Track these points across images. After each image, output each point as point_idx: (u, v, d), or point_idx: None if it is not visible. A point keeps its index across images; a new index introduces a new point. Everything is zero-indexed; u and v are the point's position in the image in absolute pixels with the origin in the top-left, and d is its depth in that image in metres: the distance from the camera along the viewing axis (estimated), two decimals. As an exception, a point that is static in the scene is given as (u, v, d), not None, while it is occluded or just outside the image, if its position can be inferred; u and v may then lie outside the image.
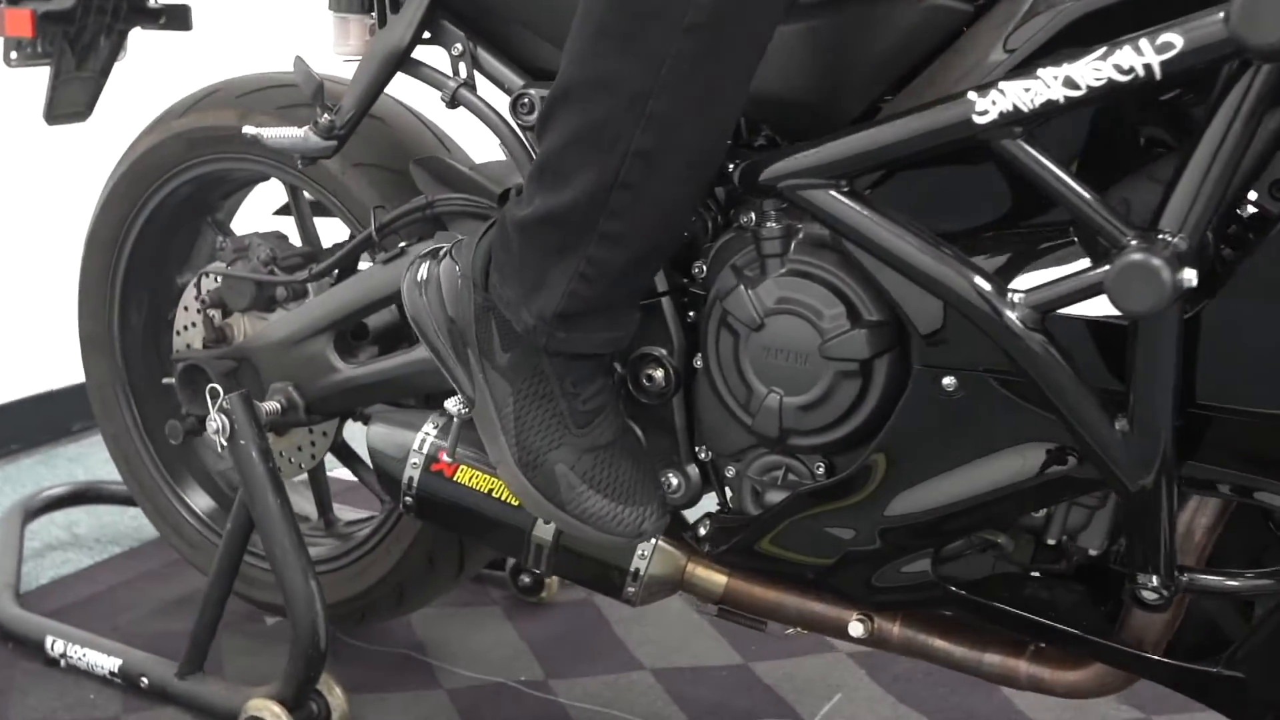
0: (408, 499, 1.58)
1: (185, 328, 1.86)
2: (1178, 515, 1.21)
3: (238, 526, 1.68)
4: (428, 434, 1.56)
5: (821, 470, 1.33)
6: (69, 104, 1.99)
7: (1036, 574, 1.33)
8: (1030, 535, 1.31)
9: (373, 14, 1.54)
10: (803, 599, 1.46)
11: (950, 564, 1.31)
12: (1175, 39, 0.97)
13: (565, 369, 1.33)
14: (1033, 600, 1.32)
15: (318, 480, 1.96)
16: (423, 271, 1.42)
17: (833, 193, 1.16)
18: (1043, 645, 1.36)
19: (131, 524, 2.39)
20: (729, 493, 1.43)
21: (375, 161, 1.69)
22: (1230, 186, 1.02)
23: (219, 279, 1.76)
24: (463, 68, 1.52)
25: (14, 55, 1.91)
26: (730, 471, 1.41)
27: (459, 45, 1.52)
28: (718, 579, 1.51)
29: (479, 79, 1.53)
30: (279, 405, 1.68)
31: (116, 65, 2.01)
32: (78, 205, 2.06)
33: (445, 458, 1.51)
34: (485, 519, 1.55)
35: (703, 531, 1.44)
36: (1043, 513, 1.28)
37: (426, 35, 1.53)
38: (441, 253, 1.43)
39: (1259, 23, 0.89)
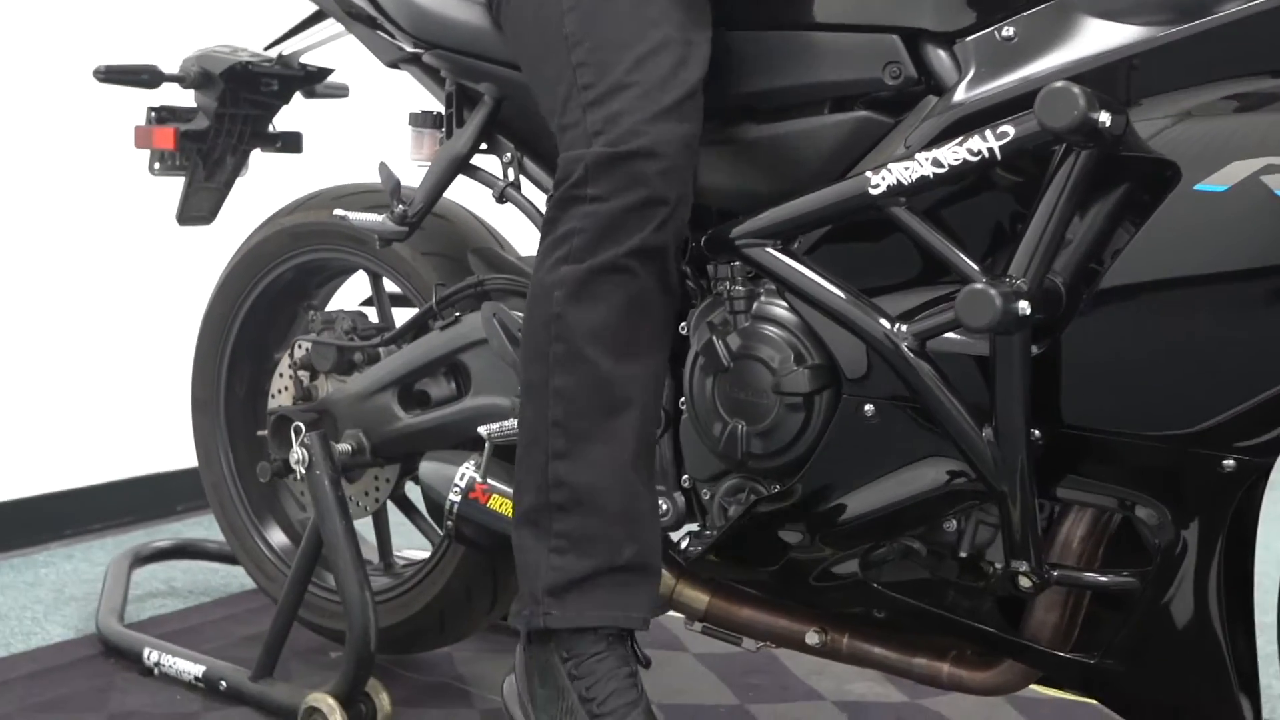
0: (449, 523, 1.90)
1: (279, 391, 2.23)
2: (1056, 523, 1.50)
3: (310, 544, 2.01)
4: (468, 468, 1.89)
5: (776, 489, 1.64)
6: (197, 209, 2.41)
7: (955, 582, 1.61)
8: (947, 549, 1.60)
9: (442, 129, 1.94)
10: (770, 616, 1.75)
11: (877, 568, 1.60)
12: (1009, 129, 1.32)
13: (569, 654, 1.50)
14: (949, 602, 1.60)
15: (381, 528, 2.29)
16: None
17: (769, 249, 1.50)
18: (963, 652, 1.63)
19: (222, 581, 2.74)
20: (706, 514, 1.74)
21: (440, 251, 2.06)
22: (1058, 242, 1.34)
23: (309, 346, 2.13)
24: (511, 172, 1.90)
25: (158, 166, 2.35)
26: (706, 494, 1.72)
27: (509, 154, 1.90)
28: (701, 597, 1.80)
29: (525, 183, 1.91)
30: (350, 447, 2.03)
31: (239, 180, 2.44)
32: (196, 301, 2.48)
33: (477, 479, 1.84)
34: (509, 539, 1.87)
35: (683, 545, 1.75)
36: (954, 528, 1.57)
37: (484, 146, 1.92)
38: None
39: (1054, 110, 1.23)
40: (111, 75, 2.22)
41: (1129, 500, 1.44)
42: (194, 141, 2.32)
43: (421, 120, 1.98)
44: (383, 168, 1.94)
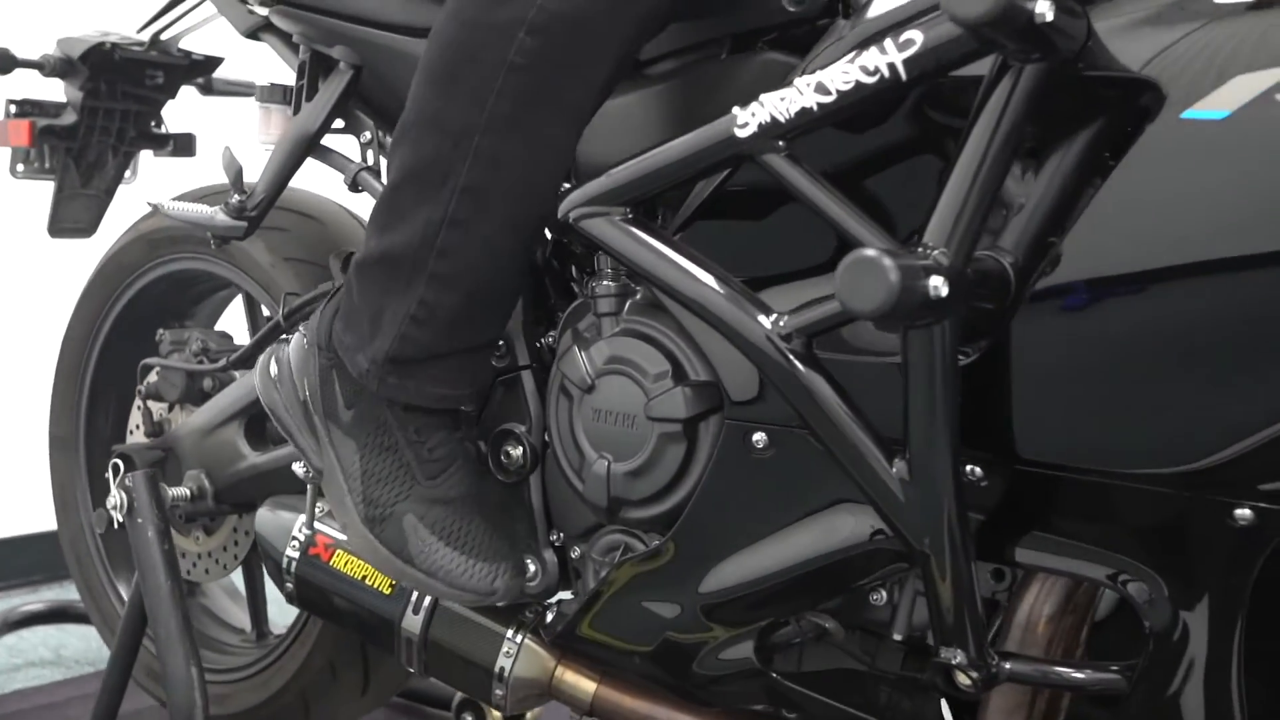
0: (288, 585, 1.54)
1: (137, 427, 1.89)
2: (1016, 597, 1.10)
3: (134, 608, 1.66)
4: (320, 521, 1.53)
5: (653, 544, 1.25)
6: (72, 219, 2.09)
7: (885, 674, 1.21)
8: (874, 629, 1.20)
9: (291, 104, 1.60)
10: (669, 710, 1.35)
11: (779, 654, 1.20)
12: (915, 35, 0.93)
13: (407, 418, 1.30)
14: (880, 703, 1.19)
15: (255, 590, 1.93)
16: (276, 356, 1.42)
17: (610, 220, 1.12)
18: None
19: (115, 650, 2.39)
20: (580, 578, 1.35)
21: (305, 257, 1.72)
22: (989, 199, 0.95)
23: (156, 372, 1.79)
24: (370, 155, 1.55)
25: (20, 167, 2.03)
26: (576, 553, 1.34)
27: (367, 132, 1.55)
28: (586, 685, 1.41)
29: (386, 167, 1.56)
30: (189, 492, 1.68)
31: (124, 187, 2.12)
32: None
33: (303, 531, 1.48)
34: (357, 607, 1.50)
35: (548, 618, 1.36)
36: (884, 600, 1.18)
37: (340, 125, 1.57)
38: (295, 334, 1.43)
39: (962, -5, 0.84)
40: (-52, 56, 1.91)
41: (1110, 566, 1.04)
42: (61, 139, 2.00)
43: (269, 95, 1.65)
44: (226, 153, 1.60)
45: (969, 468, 1.04)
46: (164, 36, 1.98)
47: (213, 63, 2.05)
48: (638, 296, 1.25)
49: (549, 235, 1.34)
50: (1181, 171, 0.93)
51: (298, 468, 1.39)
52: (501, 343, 1.37)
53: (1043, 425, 1.02)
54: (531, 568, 1.37)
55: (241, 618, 1.94)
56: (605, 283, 1.25)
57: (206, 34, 1.98)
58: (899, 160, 1.08)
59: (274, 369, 1.40)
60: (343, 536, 1.49)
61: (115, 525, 1.63)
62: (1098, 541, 1.03)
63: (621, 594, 1.24)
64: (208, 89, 2.14)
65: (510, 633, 1.41)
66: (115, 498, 1.63)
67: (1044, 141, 1.00)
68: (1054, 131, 1.00)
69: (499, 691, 1.44)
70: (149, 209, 1.58)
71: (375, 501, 1.29)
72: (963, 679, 1.05)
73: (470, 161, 1.19)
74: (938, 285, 0.91)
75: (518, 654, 1.42)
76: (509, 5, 1.16)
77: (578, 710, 1.44)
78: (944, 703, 1.15)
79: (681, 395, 1.19)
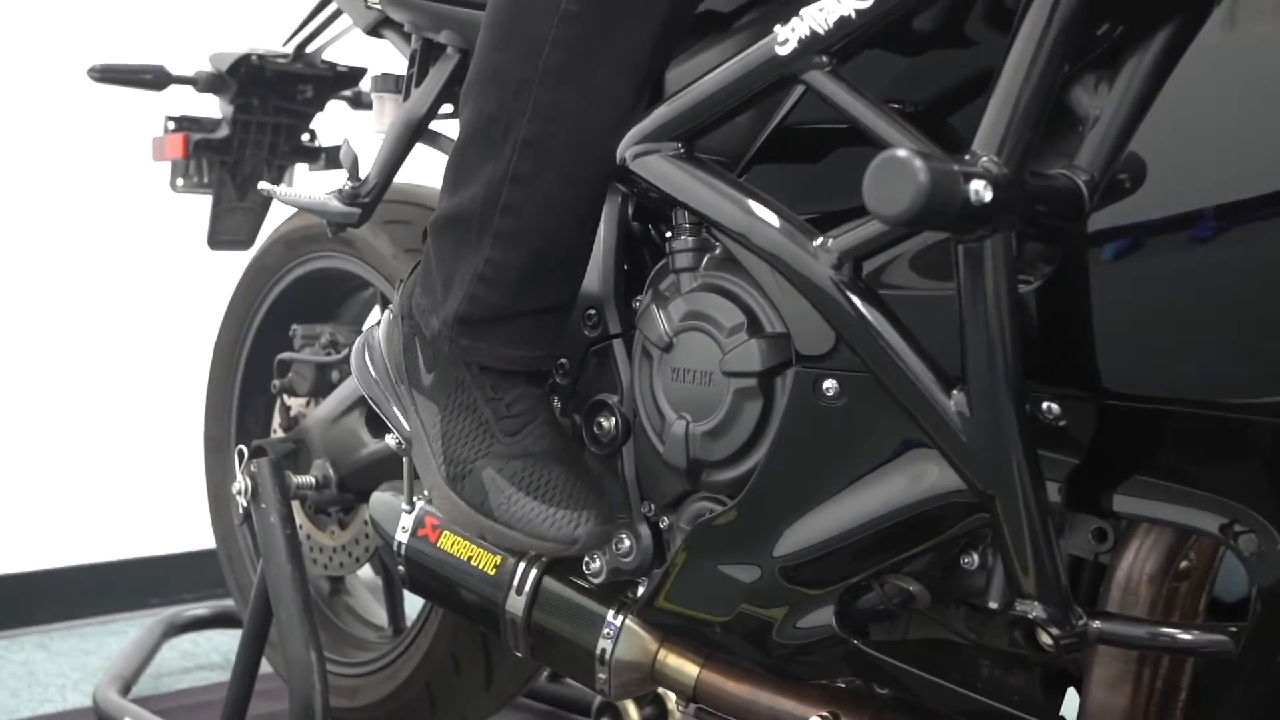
0: (400, 567, 1.53)
1: (279, 424, 1.94)
2: (1117, 553, 1.00)
3: (260, 594, 1.68)
4: (420, 498, 1.53)
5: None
6: (230, 232, 2.17)
7: (979, 645, 1.12)
8: (964, 594, 1.11)
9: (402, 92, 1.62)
10: (772, 695, 1.29)
11: (861, 620, 1.13)
12: (951, -74, 0.87)
13: (483, 376, 1.29)
14: (979, 675, 1.10)
15: (392, 587, 1.94)
16: (369, 335, 1.43)
17: (661, 155, 1.08)
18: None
19: (279, 656, 2.44)
20: (670, 549, 1.30)
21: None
22: (1046, 97, 0.87)
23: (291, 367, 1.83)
24: (478, 137, 1.55)
25: (180, 182, 2.12)
26: (665, 524, 1.29)
27: (473, 116, 1.55)
28: (689, 669, 1.35)
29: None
30: (314, 480, 1.70)
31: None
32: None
33: (410, 513, 1.47)
34: (464, 589, 1.48)
35: (640, 591, 1.32)
36: (975, 563, 1.09)
37: (448, 109, 1.58)
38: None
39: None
40: (109, 75, 2.01)
41: (1219, 515, 0.93)
42: (216, 153, 2.09)
43: (383, 84, 1.67)
44: (345, 144, 1.63)
45: (1045, 405, 0.96)
46: (308, 50, 2.04)
47: (356, 74, 2.11)
48: (716, 251, 1.21)
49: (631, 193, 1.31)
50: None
51: (390, 439, 1.39)
52: (593, 311, 1.34)
53: (1136, 354, 0.93)
54: (626, 542, 1.33)
55: (383, 616, 1.96)
56: (683, 238, 1.21)
57: (351, 47, 2.05)
58: (950, 76, 1.01)
59: (367, 348, 1.41)
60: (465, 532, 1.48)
61: (241, 511, 1.66)
62: (1205, 486, 0.93)
63: (697, 560, 1.18)
64: (357, 103, 2.20)
65: (611, 614, 1.36)
66: (240, 483, 1.66)
67: (1117, 46, 0.92)
68: (1127, 36, 0.91)
69: (601, 675, 1.39)
70: (270, 195, 1.60)
71: (455, 460, 1.28)
72: (1044, 637, 0.96)
73: (529, 114, 1.17)
74: (979, 189, 0.83)
75: (618, 636, 1.37)
76: None
77: (681, 696, 1.38)
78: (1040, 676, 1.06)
79: (756, 347, 1.13)
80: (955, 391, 0.93)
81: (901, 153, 0.81)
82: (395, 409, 1.37)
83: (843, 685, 1.27)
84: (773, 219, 1.00)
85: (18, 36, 2.66)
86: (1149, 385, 0.91)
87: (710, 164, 1.07)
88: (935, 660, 1.12)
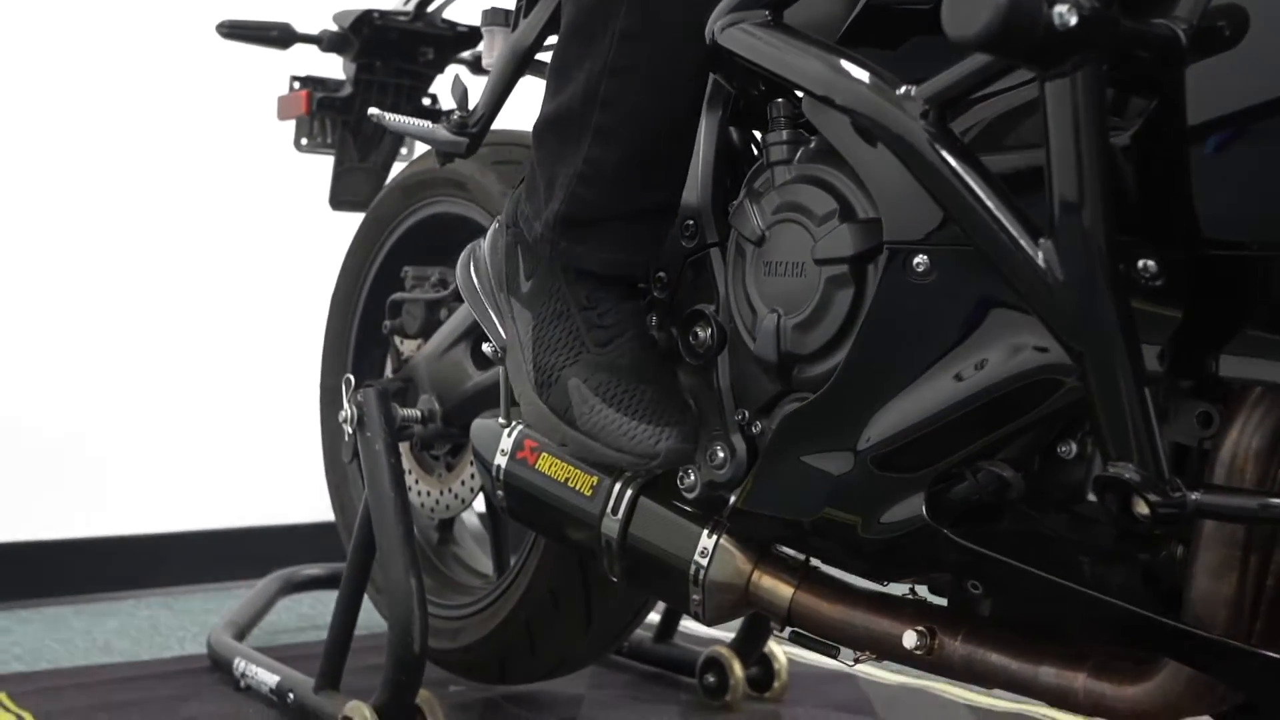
0: (499, 492, 1.54)
1: (394, 371, 1.96)
2: (1222, 428, 0.96)
3: (364, 524, 1.70)
4: (519, 422, 1.53)
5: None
6: (351, 192, 2.21)
7: (1077, 538, 1.07)
8: (1063, 486, 1.07)
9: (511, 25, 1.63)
10: (867, 614, 1.25)
11: (953, 509, 1.09)
12: None
13: (579, 285, 1.28)
14: (1066, 567, 1.06)
15: (498, 534, 1.94)
16: (474, 248, 1.44)
17: (746, 26, 1.07)
18: (1105, 658, 1.08)
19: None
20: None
21: (533, 184, 1.73)
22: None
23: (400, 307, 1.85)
24: (585, 64, 1.56)
25: (304, 141, 2.18)
26: (757, 428, 1.27)
27: (581, 43, 1.56)
28: (784, 591, 1.32)
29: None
30: (419, 413, 1.72)
31: (399, 162, 2.23)
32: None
33: (500, 420, 1.47)
34: (561, 512, 1.47)
35: (732, 500, 1.29)
36: (1072, 452, 1.05)
37: (554, 39, 1.59)
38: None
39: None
40: (236, 31, 2.08)
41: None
42: (339, 112, 2.14)
43: (493, 18, 1.68)
44: (456, 80, 1.65)
45: (1140, 263, 0.92)
46: (429, 9, 2.08)
47: (476, 35, 2.14)
48: (811, 144, 1.19)
49: (730, 95, 1.30)
50: None
51: (487, 348, 1.40)
52: (691, 221, 1.34)
53: (1237, 202, 0.88)
54: (721, 453, 1.31)
55: (489, 564, 1.96)
56: (778, 133, 1.20)
57: (470, 7, 2.08)
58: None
59: (472, 258, 1.42)
60: (548, 440, 1.48)
61: (347, 439, 1.68)
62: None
63: (783, 455, 1.16)
64: (478, 68, 2.23)
65: (705, 533, 1.35)
66: (347, 411, 1.68)
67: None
68: None
69: (695, 597, 1.37)
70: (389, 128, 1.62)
71: (544, 367, 1.28)
72: (1140, 506, 0.91)
73: (627, 5, 1.17)
74: (1063, 13, 0.81)
75: (713, 555, 1.35)
76: None
77: (776, 619, 1.35)
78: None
79: (848, 232, 1.11)
80: (1043, 240, 0.90)
81: (978, -28, 0.79)
82: (494, 316, 1.38)
83: (938, 604, 1.23)
84: (858, 73, 0.98)
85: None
86: (1252, 232, 0.87)
87: (794, 30, 1.06)
88: (1032, 554, 1.08)
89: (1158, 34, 0.89)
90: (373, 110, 1.65)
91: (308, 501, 2.81)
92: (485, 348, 1.41)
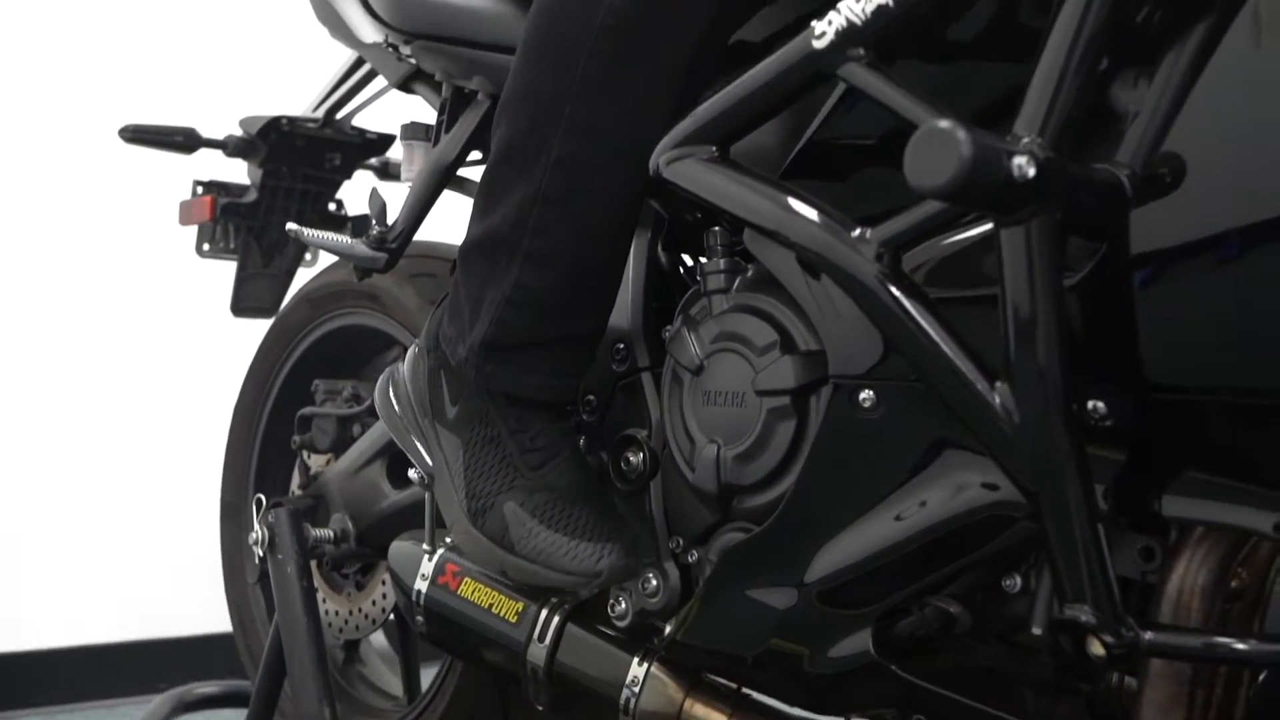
0: (418, 618, 1.49)
1: (298, 485, 1.91)
2: (1167, 565, 0.96)
3: (273, 647, 1.64)
4: (442, 545, 1.49)
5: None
6: (254, 299, 2.16)
7: (1027, 671, 1.07)
8: (1007, 619, 1.07)
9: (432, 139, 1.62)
10: (805, 744, 1.24)
11: (900, 646, 1.08)
12: (990, -93, 0.86)
13: (508, 408, 1.26)
14: (1011, 701, 1.06)
15: (407, 655, 1.89)
16: (393, 372, 1.41)
17: (695, 159, 1.07)
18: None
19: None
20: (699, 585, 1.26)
21: (450, 298, 1.71)
22: (1087, 79, 0.86)
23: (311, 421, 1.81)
24: (506, 183, 1.55)
25: (206, 246, 2.12)
26: (693, 558, 1.25)
27: (503, 159, 1.55)
28: (717, 719, 1.31)
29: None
30: (332, 533, 1.67)
31: (305, 268, 2.19)
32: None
33: (424, 546, 1.43)
34: (484, 639, 1.43)
35: (667, 630, 1.27)
36: (1017, 585, 1.05)
37: (477, 156, 1.58)
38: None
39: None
40: (140, 136, 2.03)
41: (1273, 512, 0.90)
42: (243, 218, 2.09)
43: (412, 132, 1.67)
44: (373, 193, 1.63)
45: (1091, 404, 0.93)
46: (338, 115, 2.06)
47: (385, 141, 2.12)
48: (749, 273, 1.19)
49: (663, 219, 1.30)
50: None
51: (412, 474, 1.36)
52: (621, 345, 1.33)
53: (1182, 345, 0.90)
54: (653, 581, 1.29)
55: (398, 685, 1.90)
56: (715, 260, 1.20)
57: (380, 113, 2.06)
58: (995, 68, 1.00)
59: (391, 383, 1.39)
60: (470, 564, 1.44)
61: (258, 562, 1.63)
62: (1258, 481, 0.90)
63: (725, 588, 1.15)
64: (384, 174, 2.21)
65: (635, 661, 1.32)
66: (258, 533, 1.63)
67: (1157, 40, 0.91)
68: (1165, 30, 0.91)
69: (626, 727, 1.35)
70: (298, 240, 1.60)
71: (478, 494, 1.25)
72: (1095, 646, 0.91)
73: (563, 131, 1.17)
74: (1022, 164, 0.82)
75: (644, 683, 1.32)
76: None
77: (710, 748, 1.33)
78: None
79: (790, 364, 1.11)
80: (999, 383, 0.90)
81: (944, 123, 0.79)
82: (418, 444, 1.34)
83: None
84: (810, 213, 0.98)
85: (49, 96, 2.69)
86: (1197, 375, 0.89)
87: (744, 166, 1.06)
88: (977, 688, 1.07)
89: (1104, 180, 0.90)
90: (291, 226, 1.62)
91: (194, 614, 2.72)
92: (411, 474, 1.37)
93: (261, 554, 1.62)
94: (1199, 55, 0.90)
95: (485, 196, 1.25)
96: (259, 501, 1.64)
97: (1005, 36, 1.01)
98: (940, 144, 0.79)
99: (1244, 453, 0.91)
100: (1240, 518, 0.91)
